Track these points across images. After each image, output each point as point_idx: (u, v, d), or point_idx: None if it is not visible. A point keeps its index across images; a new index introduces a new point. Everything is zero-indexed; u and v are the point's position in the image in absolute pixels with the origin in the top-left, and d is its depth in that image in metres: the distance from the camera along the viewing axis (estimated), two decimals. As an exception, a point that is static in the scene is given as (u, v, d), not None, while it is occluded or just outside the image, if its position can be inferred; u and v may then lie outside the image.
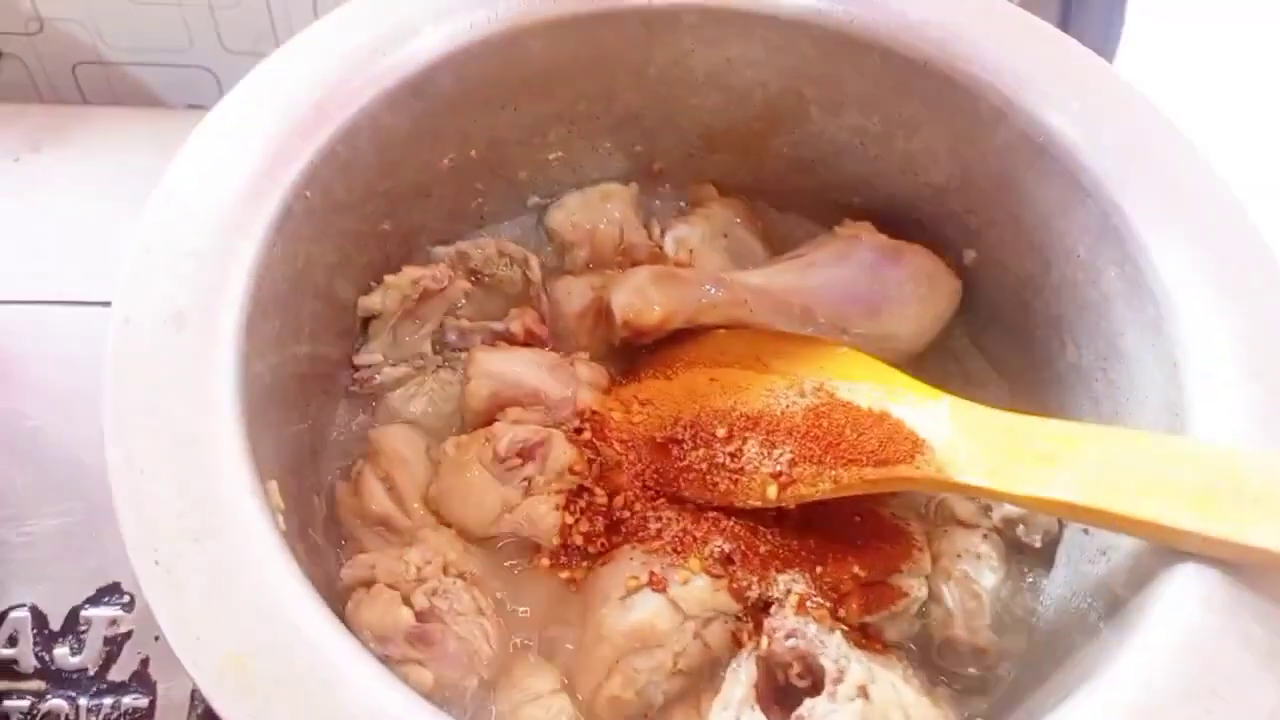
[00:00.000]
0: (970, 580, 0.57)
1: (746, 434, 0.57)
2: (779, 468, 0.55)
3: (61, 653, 0.60)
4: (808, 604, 0.53)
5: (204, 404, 0.44)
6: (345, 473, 0.59)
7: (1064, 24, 0.83)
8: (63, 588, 0.62)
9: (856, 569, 0.55)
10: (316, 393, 0.59)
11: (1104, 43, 0.77)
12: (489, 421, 0.59)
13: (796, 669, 0.51)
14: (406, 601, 0.53)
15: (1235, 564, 0.43)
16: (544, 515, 0.56)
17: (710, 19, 0.61)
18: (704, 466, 0.57)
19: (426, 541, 0.55)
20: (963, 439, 0.51)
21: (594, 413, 0.60)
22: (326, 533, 0.57)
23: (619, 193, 0.70)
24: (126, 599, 0.62)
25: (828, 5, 0.60)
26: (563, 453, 0.57)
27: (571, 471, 0.57)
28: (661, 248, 0.69)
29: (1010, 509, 0.59)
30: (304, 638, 0.39)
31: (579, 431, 0.59)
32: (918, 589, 0.56)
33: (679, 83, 0.65)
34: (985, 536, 0.59)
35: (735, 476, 0.56)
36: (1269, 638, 0.41)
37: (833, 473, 0.53)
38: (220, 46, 0.86)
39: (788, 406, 0.57)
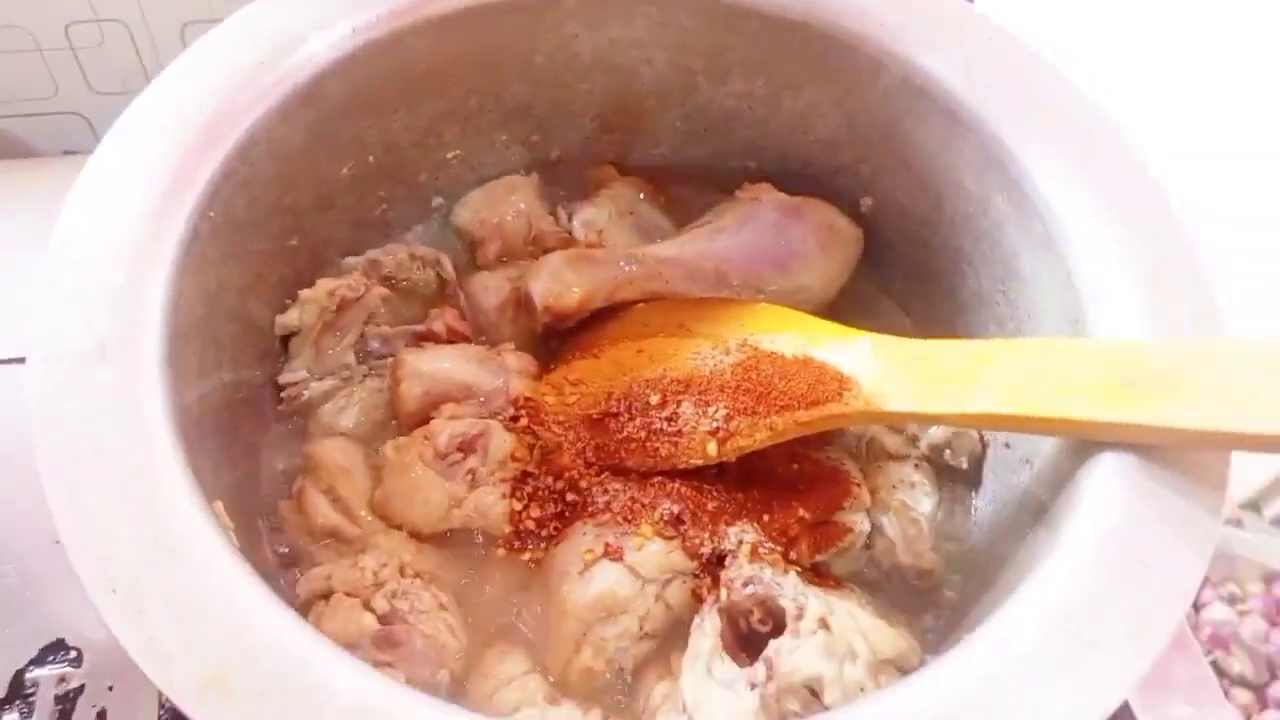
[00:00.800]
0: (908, 508, 0.60)
1: (679, 397, 0.58)
2: (715, 424, 0.56)
3: (12, 719, 0.58)
4: (759, 550, 0.55)
5: (138, 434, 0.43)
6: (286, 492, 0.58)
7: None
8: (3, 652, 0.60)
9: (801, 512, 0.57)
10: (247, 416, 0.58)
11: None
12: (424, 421, 0.59)
13: (757, 615, 0.52)
14: (367, 607, 0.53)
15: (1150, 447, 0.46)
16: (492, 505, 0.57)
17: (590, 2, 0.62)
18: (642, 435, 0.58)
19: (379, 546, 0.55)
20: (886, 371, 0.54)
21: (527, 399, 0.60)
22: (273, 555, 0.57)
23: (522, 183, 0.70)
24: (73, 654, 0.60)
25: (702, -25, 0.62)
26: (502, 441, 0.58)
27: (513, 458, 0.58)
28: (570, 233, 0.70)
29: (936, 435, 0.62)
30: (278, 647, 0.39)
31: (515, 419, 0.60)
32: (860, 523, 0.59)
33: (566, 69, 0.66)
34: (916, 466, 0.62)
35: (674, 439, 0.57)
36: (1187, 507, 0.44)
37: (767, 421, 0.55)
38: (88, 89, 0.84)
39: (715, 365, 0.59)
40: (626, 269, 0.64)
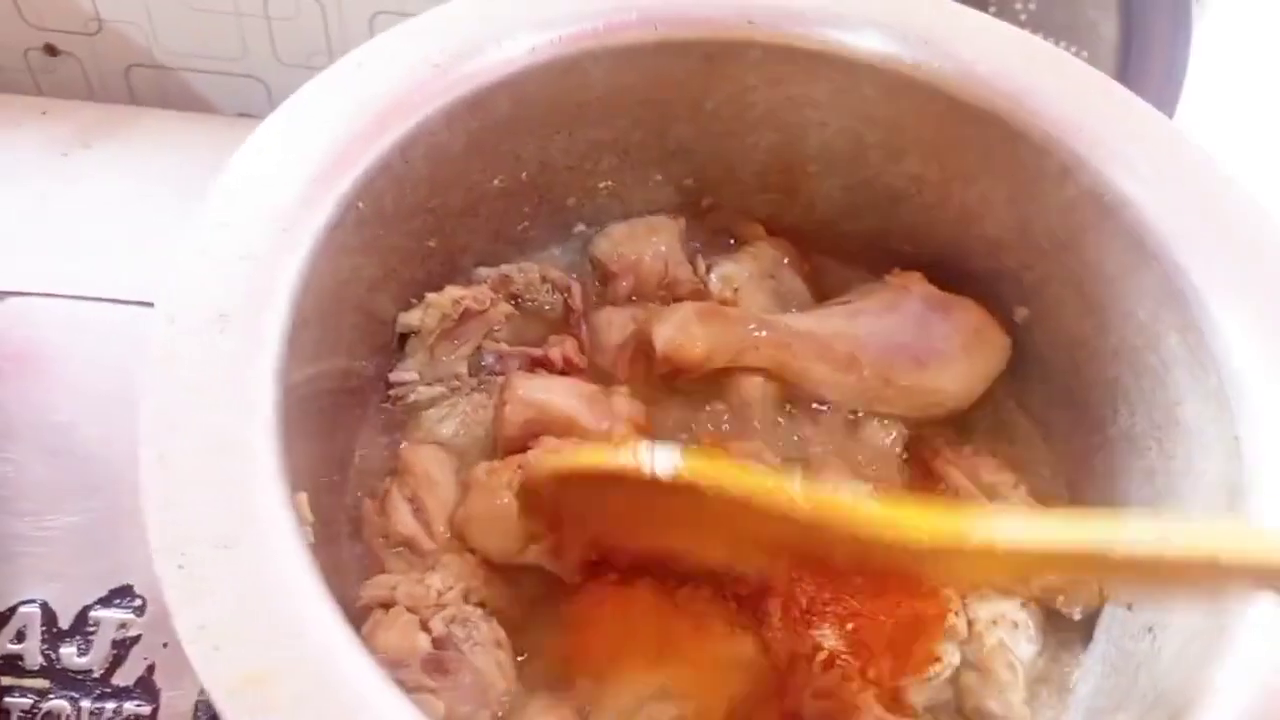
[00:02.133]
0: (1006, 649, 0.55)
1: None
2: None
3: (68, 652, 0.59)
4: (837, 662, 0.51)
5: (242, 409, 0.43)
6: (372, 490, 0.57)
7: (1122, 74, 0.82)
8: (75, 586, 0.61)
9: (889, 630, 0.53)
10: (349, 407, 0.58)
11: (1161, 97, 0.76)
12: (521, 448, 0.57)
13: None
14: (424, 627, 0.51)
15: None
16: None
17: (774, 56, 0.60)
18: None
19: (449, 567, 0.54)
20: None
21: None
22: (350, 551, 0.56)
23: (666, 225, 0.69)
24: (138, 602, 0.61)
25: (896, 50, 0.59)
26: None
27: None
28: (705, 284, 0.68)
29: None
30: (327, 659, 0.37)
31: None
32: (950, 654, 0.54)
33: (736, 119, 0.64)
34: (1023, 605, 0.57)
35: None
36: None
37: None
38: (274, 58, 0.87)
39: None
40: (756, 334, 0.62)
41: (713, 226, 0.71)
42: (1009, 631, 0.56)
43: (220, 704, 0.36)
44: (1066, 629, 0.57)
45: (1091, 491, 0.60)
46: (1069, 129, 0.57)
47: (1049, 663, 0.57)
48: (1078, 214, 0.58)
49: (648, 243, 0.68)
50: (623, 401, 0.60)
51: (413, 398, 0.60)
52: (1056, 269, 0.61)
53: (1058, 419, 0.64)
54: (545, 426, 0.57)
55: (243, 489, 0.41)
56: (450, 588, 0.53)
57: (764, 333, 0.62)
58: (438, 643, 0.51)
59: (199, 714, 0.58)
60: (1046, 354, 0.64)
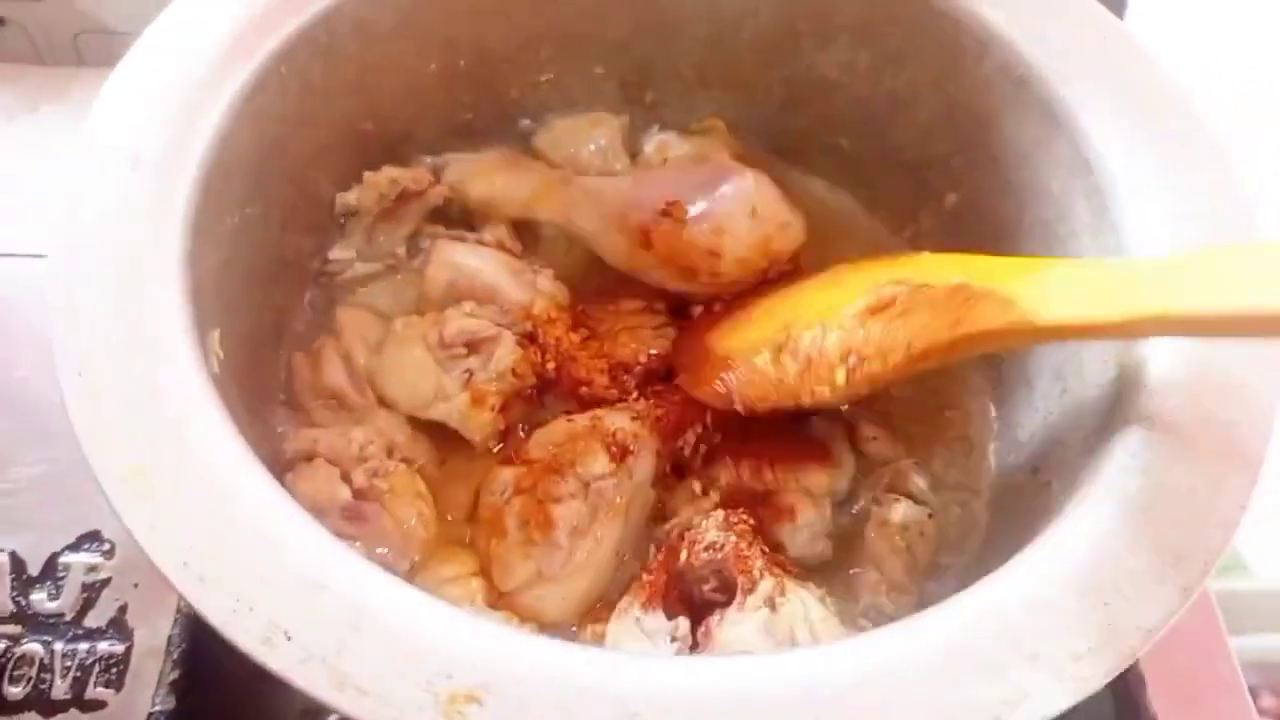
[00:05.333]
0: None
1: (812, 325, 0.54)
2: (846, 348, 0.52)
3: (38, 598, 0.61)
4: (731, 519, 0.53)
5: (151, 241, 0.45)
6: (306, 348, 0.60)
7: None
8: (43, 535, 0.62)
9: (768, 476, 0.55)
10: (286, 280, 0.60)
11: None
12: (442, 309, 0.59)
13: (713, 583, 0.51)
14: (345, 479, 0.54)
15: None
16: (475, 414, 0.56)
17: (703, -61, 0.61)
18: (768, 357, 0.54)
19: (374, 422, 0.56)
20: (1051, 286, 0.47)
21: (548, 321, 0.59)
22: (281, 415, 0.58)
23: (608, 121, 0.70)
24: (107, 546, 0.62)
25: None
26: (509, 352, 0.57)
27: (514, 374, 0.57)
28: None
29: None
30: (202, 455, 0.40)
31: (530, 338, 0.59)
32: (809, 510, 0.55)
33: (671, 8, 0.65)
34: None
35: (802, 368, 0.53)
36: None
37: (905, 340, 0.50)
38: None
39: (853, 304, 0.53)
40: (547, 186, 0.63)
41: (658, 122, 0.72)
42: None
43: (109, 491, 0.38)
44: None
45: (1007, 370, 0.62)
46: (984, 5, 0.57)
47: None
48: (994, 91, 0.59)
49: (589, 137, 0.69)
50: (546, 280, 0.62)
51: (349, 274, 0.62)
52: (979, 151, 0.62)
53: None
54: (467, 289, 0.59)
55: (150, 313, 0.43)
56: (372, 442, 0.55)
57: (557, 187, 0.63)
58: (358, 494, 0.53)
59: (171, 649, 0.57)
60: (972, 241, 0.64)
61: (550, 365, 0.58)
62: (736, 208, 0.59)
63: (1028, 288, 0.47)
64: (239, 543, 0.38)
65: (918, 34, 0.61)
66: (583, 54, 0.68)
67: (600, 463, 0.52)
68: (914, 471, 0.57)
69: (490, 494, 0.54)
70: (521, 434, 0.57)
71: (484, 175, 0.64)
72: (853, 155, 0.69)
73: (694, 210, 0.59)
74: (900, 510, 0.55)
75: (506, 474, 0.54)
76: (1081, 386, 0.53)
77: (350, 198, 0.62)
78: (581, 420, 0.55)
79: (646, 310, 0.62)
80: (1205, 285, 0.41)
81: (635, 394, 0.58)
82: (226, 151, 0.50)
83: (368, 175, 0.62)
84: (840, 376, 0.52)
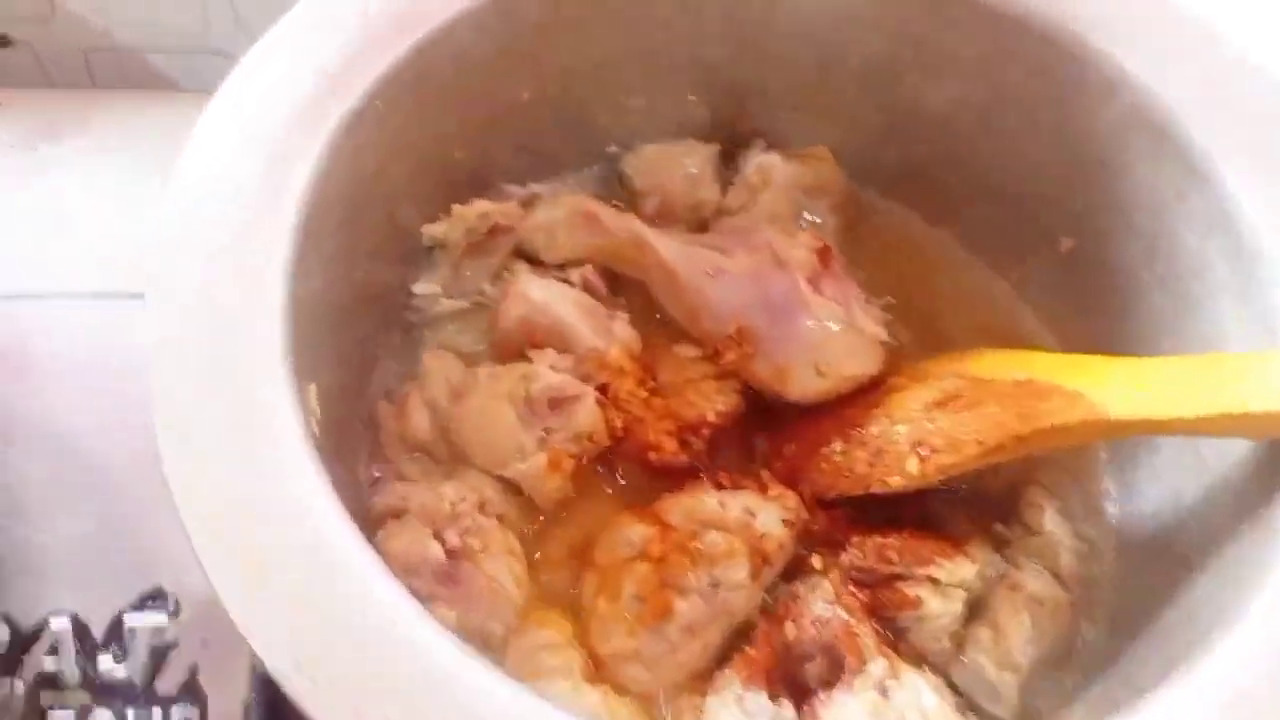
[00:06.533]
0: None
1: (875, 416, 0.55)
2: (919, 438, 0.52)
3: (106, 663, 0.57)
4: (842, 596, 0.51)
5: (251, 297, 0.43)
6: (391, 395, 0.57)
7: None
8: (102, 594, 0.59)
9: (892, 556, 0.52)
10: (371, 314, 0.58)
11: None
12: (515, 346, 0.57)
13: (820, 661, 0.49)
14: (437, 536, 0.51)
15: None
16: (546, 477, 0.54)
17: (810, -34, 0.58)
18: (837, 448, 0.55)
19: (464, 477, 0.54)
20: (1119, 383, 0.48)
21: (620, 371, 0.57)
22: (367, 460, 0.56)
23: (699, 149, 0.67)
24: (172, 605, 0.59)
25: (939, -38, 0.56)
26: (590, 415, 0.55)
27: (590, 439, 0.55)
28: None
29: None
30: (325, 545, 0.37)
31: (603, 389, 0.56)
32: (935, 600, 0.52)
33: (770, 35, 0.62)
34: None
35: (872, 457, 0.53)
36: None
37: (977, 434, 0.50)
38: (239, 29, 0.81)
39: (919, 397, 0.54)
40: (620, 245, 0.61)
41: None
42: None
43: (223, 592, 0.36)
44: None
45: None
46: (1115, 42, 0.54)
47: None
48: (1122, 136, 0.55)
49: (679, 164, 0.66)
50: (622, 326, 0.59)
51: (435, 310, 0.60)
52: (1102, 197, 0.58)
53: (1105, 352, 0.61)
54: (542, 330, 0.56)
55: (250, 375, 0.41)
56: (464, 499, 0.52)
57: (631, 252, 0.61)
58: (450, 553, 0.51)
59: (248, 714, 0.56)
60: (1092, 287, 0.61)
61: (619, 425, 0.56)
62: (802, 359, 0.56)
63: (1096, 383, 0.48)
64: (353, 640, 0.36)
65: (1038, 72, 0.57)
66: (675, 80, 0.65)
67: (740, 573, 0.50)
68: (1069, 553, 0.54)
69: (613, 544, 0.52)
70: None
71: (561, 234, 0.61)
72: (956, 191, 0.66)
73: (762, 346, 0.57)
74: (1041, 583, 0.53)
75: (636, 530, 0.52)
76: (1218, 459, 0.50)
77: (438, 230, 0.60)
78: (734, 508, 0.52)
79: (707, 359, 0.59)
80: None
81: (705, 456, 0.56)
82: (323, 191, 0.48)
83: (457, 209, 0.60)
84: (913, 466, 0.52)
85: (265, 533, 0.37)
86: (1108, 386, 0.48)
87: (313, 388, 0.44)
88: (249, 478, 0.39)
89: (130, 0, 0.80)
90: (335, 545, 0.38)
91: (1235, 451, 0.49)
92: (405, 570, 0.50)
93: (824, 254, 0.59)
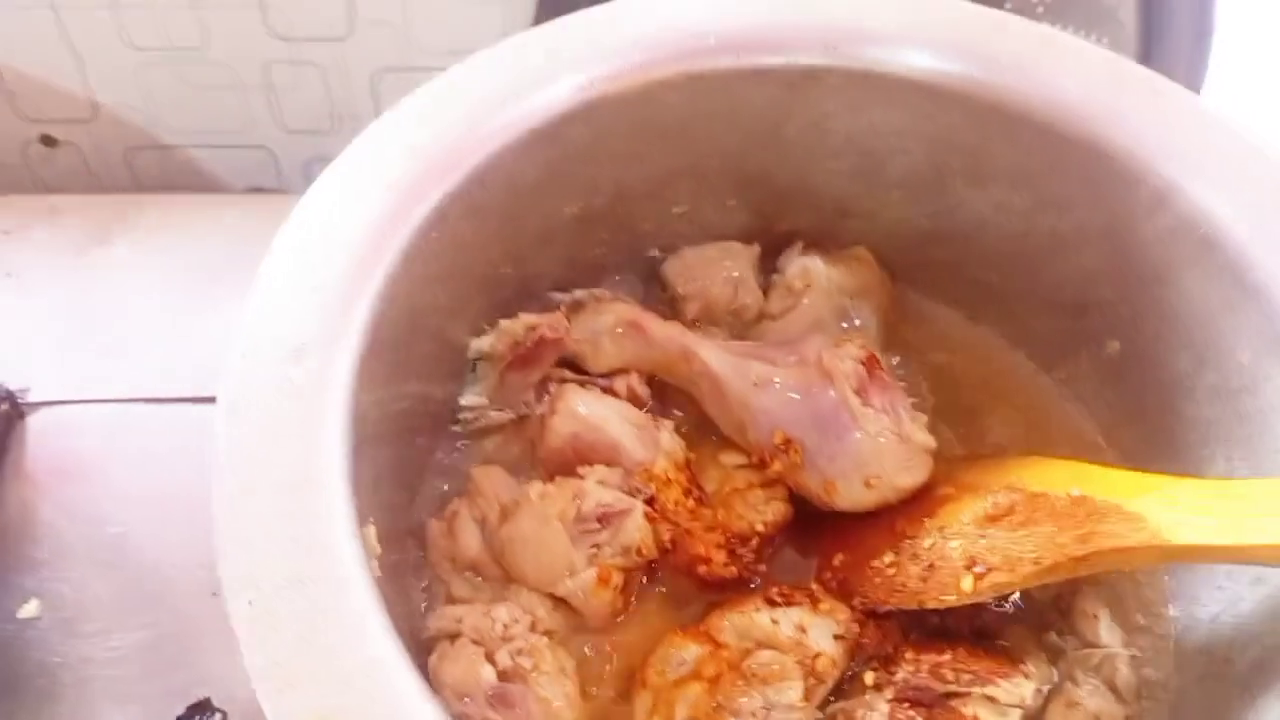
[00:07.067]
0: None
1: (928, 531, 0.54)
2: (973, 555, 0.51)
3: None
4: (898, 715, 0.50)
5: (314, 443, 0.43)
6: (439, 512, 0.58)
7: (1144, 61, 0.78)
8: (151, 707, 0.58)
9: (947, 675, 0.52)
10: (419, 430, 0.59)
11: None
12: (564, 462, 0.57)
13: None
14: (490, 659, 0.51)
15: None
16: (595, 591, 0.54)
17: (855, 83, 0.58)
18: (889, 562, 0.54)
19: (517, 598, 0.54)
20: (1180, 506, 0.47)
21: (665, 481, 0.57)
22: (416, 574, 0.56)
23: (740, 251, 0.68)
24: (218, 717, 0.58)
25: (982, 75, 0.57)
26: (637, 528, 0.55)
27: (639, 552, 0.55)
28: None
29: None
30: (393, 701, 0.37)
31: (650, 501, 0.57)
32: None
33: (816, 145, 0.63)
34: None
35: (924, 573, 0.53)
36: None
37: (1033, 554, 0.50)
38: (279, 127, 0.84)
39: (972, 510, 0.54)
40: (667, 356, 0.61)
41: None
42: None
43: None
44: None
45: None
46: (1161, 154, 0.54)
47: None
48: (1171, 246, 0.55)
49: (720, 267, 0.67)
50: (668, 436, 0.59)
51: (482, 422, 0.61)
52: (1151, 304, 0.58)
53: (1151, 460, 0.61)
54: (590, 446, 0.57)
55: (312, 524, 0.41)
56: (516, 620, 0.53)
57: (679, 364, 0.61)
58: (503, 675, 0.51)
59: None
60: (1139, 391, 0.61)
61: (667, 537, 0.56)
62: (851, 472, 0.56)
63: (1156, 505, 0.47)
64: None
65: (1085, 181, 0.58)
66: (717, 187, 0.66)
67: (794, 693, 0.50)
68: (1125, 665, 0.53)
69: (665, 664, 0.52)
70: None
71: (607, 343, 0.62)
72: (1001, 291, 0.66)
73: (810, 458, 0.57)
74: (1098, 700, 0.52)
75: (689, 649, 0.52)
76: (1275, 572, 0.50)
77: (484, 344, 0.60)
78: (786, 626, 0.52)
79: (753, 467, 0.60)
80: None
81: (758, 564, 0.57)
82: (382, 331, 0.48)
83: (503, 323, 0.60)
84: (968, 584, 0.51)
85: (328, 676, 0.38)
86: (1170, 510, 0.47)
87: (371, 530, 0.44)
88: (310, 630, 0.39)
89: (171, 99, 0.82)
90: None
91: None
92: (458, 694, 0.50)
93: (870, 363, 0.59)
